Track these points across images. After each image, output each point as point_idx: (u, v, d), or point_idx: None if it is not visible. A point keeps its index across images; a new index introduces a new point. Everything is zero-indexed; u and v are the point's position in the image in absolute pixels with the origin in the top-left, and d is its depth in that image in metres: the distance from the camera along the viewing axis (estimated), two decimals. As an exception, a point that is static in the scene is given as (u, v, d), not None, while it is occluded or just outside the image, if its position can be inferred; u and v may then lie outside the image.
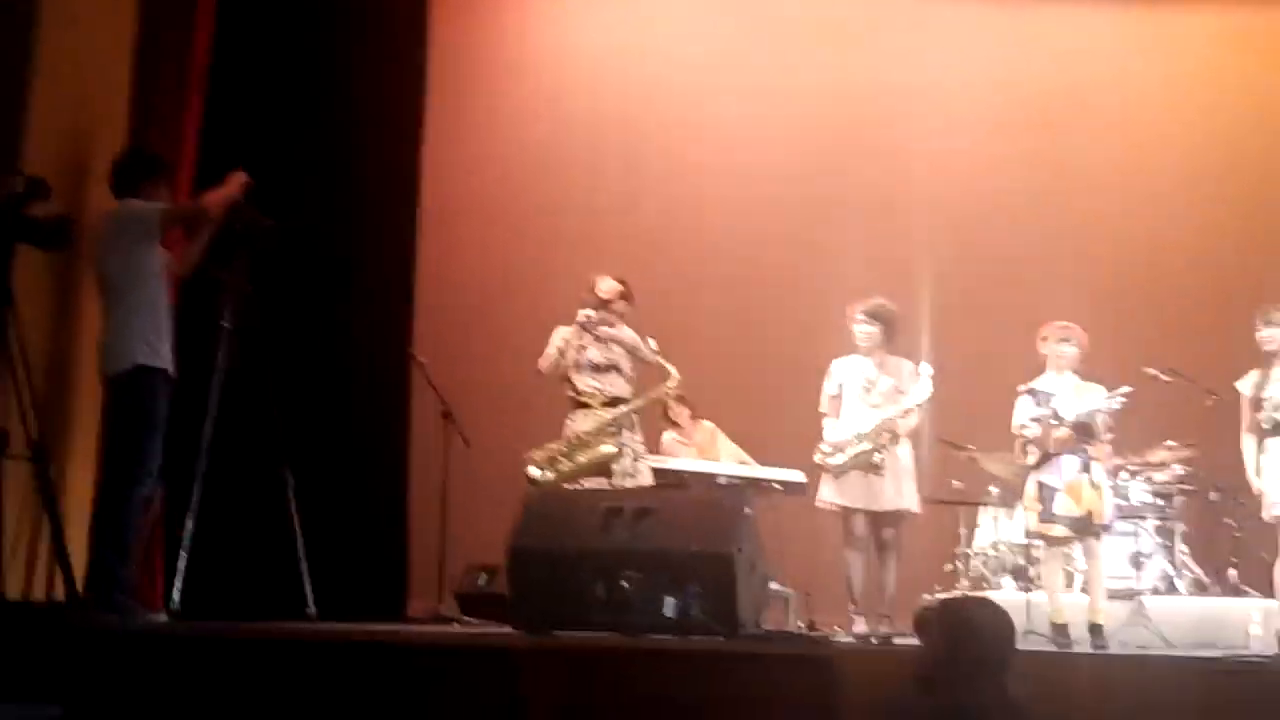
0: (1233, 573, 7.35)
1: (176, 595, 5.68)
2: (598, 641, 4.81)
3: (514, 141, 9.42)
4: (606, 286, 6.83)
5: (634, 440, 6.74)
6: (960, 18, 9.53)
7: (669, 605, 4.99)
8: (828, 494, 6.65)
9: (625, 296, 6.85)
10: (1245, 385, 6.38)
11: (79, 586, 5.32)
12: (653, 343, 6.72)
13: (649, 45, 9.60)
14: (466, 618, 7.37)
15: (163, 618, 5.57)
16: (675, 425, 7.88)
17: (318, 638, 5.22)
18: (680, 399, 7.83)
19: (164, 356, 5.55)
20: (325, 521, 7.03)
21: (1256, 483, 6.32)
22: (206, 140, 6.99)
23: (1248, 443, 6.38)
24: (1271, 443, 6.27)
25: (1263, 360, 6.36)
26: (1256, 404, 6.30)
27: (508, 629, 5.45)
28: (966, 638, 3.49)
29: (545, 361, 6.82)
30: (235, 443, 6.24)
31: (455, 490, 7.78)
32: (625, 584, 5.03)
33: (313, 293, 7.54)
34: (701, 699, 4.48)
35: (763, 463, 7.56)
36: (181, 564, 5.72)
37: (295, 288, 7.31)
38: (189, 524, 5.73)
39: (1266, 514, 6.28)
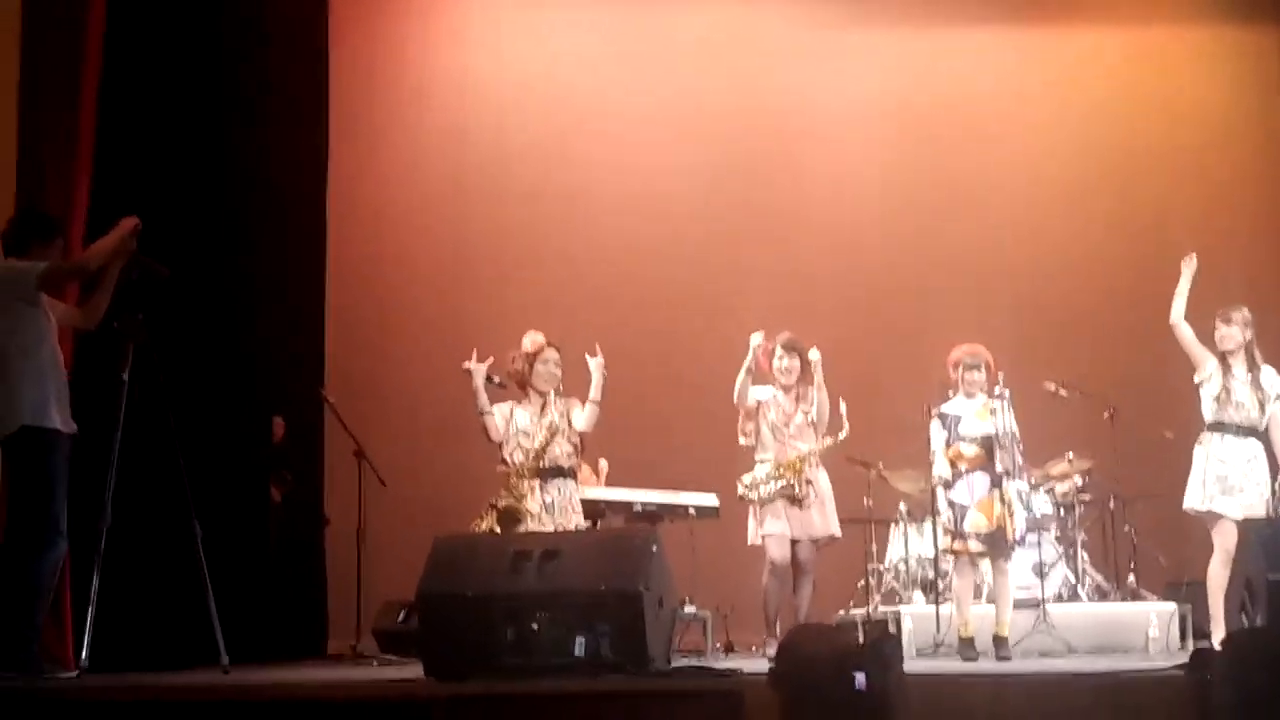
0: (1131, 578, 7.56)
1: (85, 652, 5.62)
2: (507, 688, 4.83)
3: (417, 177, 9.45)
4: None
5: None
6: (855, 41, 9.70)
7: (579, 645, 5.04)
8: (771, 526, 6.67)
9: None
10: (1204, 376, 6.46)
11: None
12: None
13: (550, 73, 9.67)
14: (386, 655, 7.40)
15: (74, 675, 5.51)
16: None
17: (225, 695, 5.18)
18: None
19: (52, 416, 5.45)
20: (241, 565, 6.98)
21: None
22: (99, 190, 6.67)
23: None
24: (1211, 437, 6.39)
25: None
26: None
27: (422, 670, 5.47)
28: None
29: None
30: (140, 495, 6.18)
31: (371, 527, 7.81)
32: (535, 626, 5.07)
33: (218, 338, 7.46)
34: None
35: (675, 486, 7.64)
36: (90, 620, 5.66)
37: (199, 334, 7.22)
38: (95, 580, 5.68)
39: (1203, 506, 6.34)
